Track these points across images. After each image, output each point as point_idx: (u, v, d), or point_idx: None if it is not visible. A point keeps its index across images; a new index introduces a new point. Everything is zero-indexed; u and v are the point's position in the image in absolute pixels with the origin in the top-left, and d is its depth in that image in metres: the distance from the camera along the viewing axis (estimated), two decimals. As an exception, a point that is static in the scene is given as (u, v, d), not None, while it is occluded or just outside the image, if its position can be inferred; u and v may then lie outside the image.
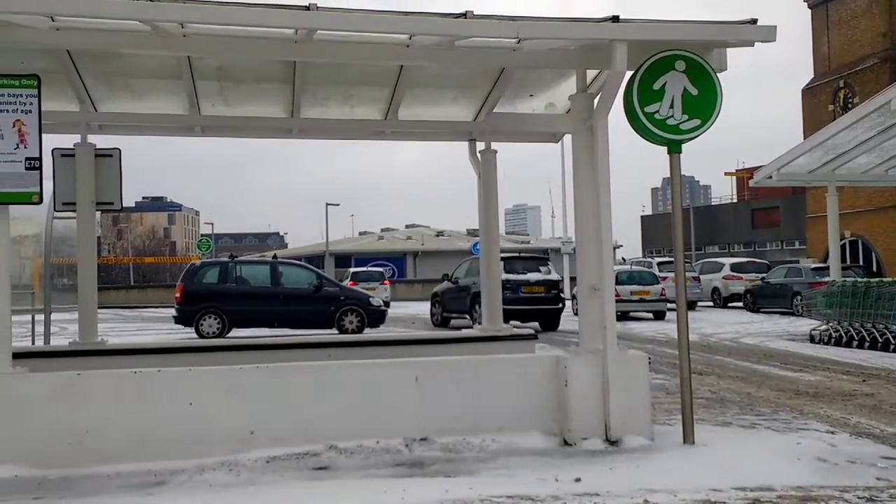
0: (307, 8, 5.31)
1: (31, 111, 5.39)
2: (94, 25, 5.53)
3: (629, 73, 5.88)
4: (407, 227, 75.14)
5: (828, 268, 18.04)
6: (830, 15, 35.84)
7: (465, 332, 7.76)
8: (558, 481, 4.92)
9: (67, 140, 7.73)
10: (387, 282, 32.02)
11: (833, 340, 13.43)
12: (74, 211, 7.83)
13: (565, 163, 35.32)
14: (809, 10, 37.16)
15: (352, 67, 6.99)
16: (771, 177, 16.56)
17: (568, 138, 6.83)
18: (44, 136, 5.47)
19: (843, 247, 16.61)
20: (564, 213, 37.18)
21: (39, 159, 5.42)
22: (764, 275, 25.72)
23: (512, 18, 5.66)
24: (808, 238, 37.49)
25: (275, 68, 6.99)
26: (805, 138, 21.68)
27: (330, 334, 16.56)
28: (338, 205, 52.16)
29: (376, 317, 18.42)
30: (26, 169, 5.37)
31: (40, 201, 5.50)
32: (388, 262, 48.80)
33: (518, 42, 5.95)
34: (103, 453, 5.28)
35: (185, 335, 17.22)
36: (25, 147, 5.37)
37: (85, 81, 7.09)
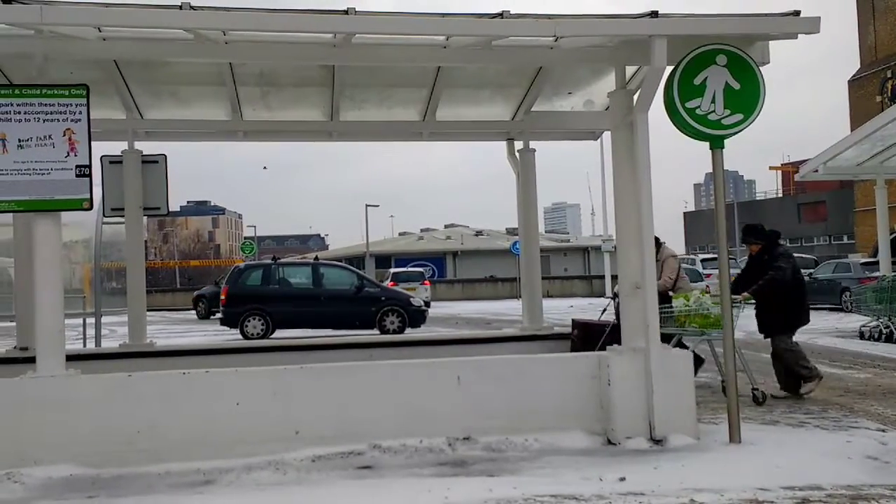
0: (345, 12, 5.37)
1: (80, 120, 5.54)
2: (139, 35, 5.67)
3: (669, 69, 5.83)
4: (446, 226, 75.20)
5: (877, 263, 17.60)
6: (877, 4, 34.99)
7: (506, 332, 7.79)
8: (602, 480, 4.90)
9: (115, 147, 7.95)
10: (427, 282, 32.09)
11: (883, 337, 13.11)
12: (123, 216, 8.03)
13: (605, 160, 35.07)
14: (854, 0, 36.32)
15: (389, 69, 7.05)
16: (817, 170, 16.20)
17: (607, 135, 6.79)
18: (93, 143, 5.62)
19: (893, 241, 16.16)
20: (605, 211, 36.90)
21: (89, 166, 5.57)
22: (811, 270, 25.21)
23: (549, 17, 5.65)
24: (857, 232, 36.68)
25: (314, 72, 7.09)
26: (852, 130, 21.21)
27: (371, 334, 16.67)
28: (377, 206, 52.47)
29: (417, 317, 18.50)
30: (77, 176, 5.52)
31: (91, 207, 5.65)
32: (427, 263, 48.87)
33: (555, 40, 5.94)
34: (154, 453, 5.40)
35: (231, 336, 17.49)
36: (76, 155, 5.52)
37: (131, 90, 7.27)
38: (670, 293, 8.18)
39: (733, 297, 7.14)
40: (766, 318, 7.93)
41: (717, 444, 5.74)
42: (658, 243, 8.15)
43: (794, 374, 7.92)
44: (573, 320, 8.34)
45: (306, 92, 7.64)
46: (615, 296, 7.92)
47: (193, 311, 28.01)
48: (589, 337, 7.76)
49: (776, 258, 7.89)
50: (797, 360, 7.86)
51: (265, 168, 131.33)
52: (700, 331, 7.21)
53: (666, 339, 7.49)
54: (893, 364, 10.42)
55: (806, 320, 7.98)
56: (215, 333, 18.91)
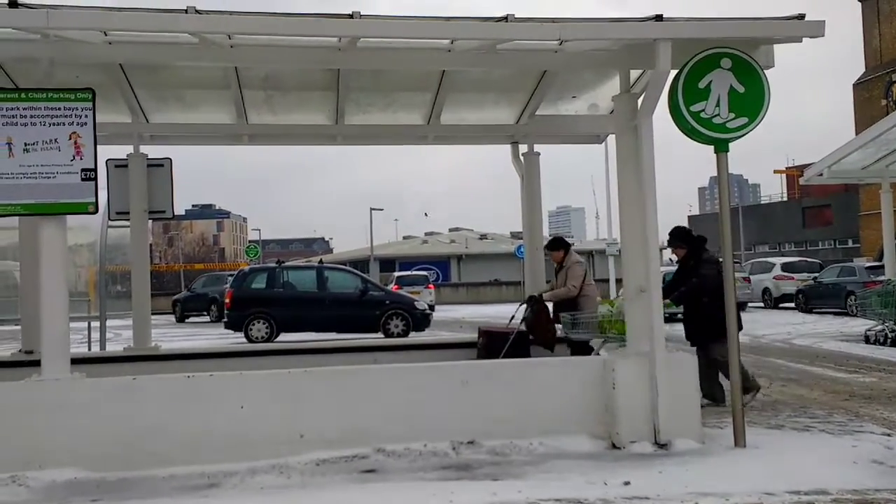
0: (350, 16, 5.38)
1: (86, 123, 5.56)
2: (145, 39, 5.69)
3: (674, 72, 5.83)
4: (451, 230, 75.18)
5: (883, 266, 17.55)
6: (882, 8, 34.95)
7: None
8: (607, 485, 4.89)
9: (121, 151, 7.97)
10: (431, 285, 32.13)
11: (889, 341, 13.06)
12: (128, 220, 8.05)
13: (609, 163, 35.02)
14: (860, 4, 36.28)
15: (394, 73, 7.06)
16: (822, 174, 16.18)
17: (612, 138, 6.79)
18: (98, 147, 5.63)
19: (898, 245, 16.12)
20: (609, 215, 36.86)
21: (95, 170, 5.58)
22: (816, 274, 25.12)
23: (553, 20, 5.64)
24: (862, 236, 36.59)
25: (319, 76, 7.10)
26: (857, 134, 21.16)
27: (375, 338, 16.68)
28: (382, 209, 52.57)
29: (421, 320, 18.50)
30: (82, 180, 5.53)
31: (96, 211, 5.67)
32: (432, 266, 48.93)
33: (560, 44, 5.94)
34: (158, 456, 5.41)
35: (235, 340, 17.50)
36: (81, 159, 5.53)
37: (137, 94, 7.29)
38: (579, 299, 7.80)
39: None
40: (693, 327, 7.55)
41: (722, 449, 5.72)
42: (567, 248, 8.05)
43: (716, 383, 7.54)
44: (479, 328, 8.04)
45: (311, 96, 7.65)
46: (527, 300, 7.75)
47: (173, 315, 29.10)
48: (492, 345, 7.51)
49: (701, 264, 7.55)
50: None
51: (426, 215, 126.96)
52: (620, 337, 7.07)
53: (577, 346, 7.41)
54: (899, 368, 10.38)
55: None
56: (220, 337, 18.93)
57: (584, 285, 7.87)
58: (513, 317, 7.96)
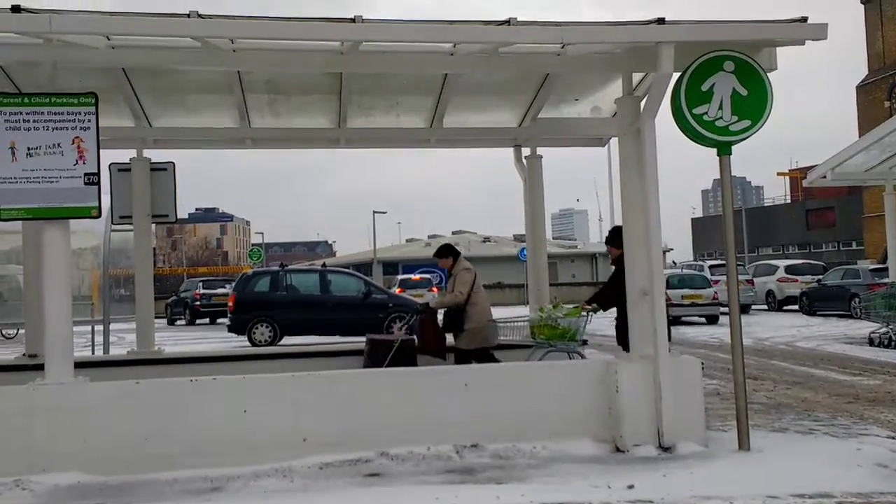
0: (352, 20, 5.39)
1: (89, 128, 5.57)
2: (147, 43, 5.70)
3: (676, 75, 5.82)
4: (453, 233, 75.14)
5: (887, 269, 17.51)
6: (884, 10, 34.91)
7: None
8: (611, 488, 4.88)
9: (124, 155, 7.98)
10: (434, 288, 32.09)
11: (893, 343, 13.04)
12: (131, 223, 8.06)
13: (612, 165, 35.03)
14: (862, 6, 36.25)
15: (397, 77, 7.06)
16: (825, 176, 16.13)
17: (615, 140, 6.78)
18: (101, 151, 5.64)
19: (902, 247, 16.08)
20: (612, 217, 36.86)
21: (98, 174, 5.59)
22: (820, 277, 25.09)
23: (556, 24, 5.65)
24: (866, 238, 36.52)
25: (321, 80, 7.10)
26: (860, 136, 21.13)
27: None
28: (385, 213, 52.61)
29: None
30: (85, 184, 5.54)
31: (99, 215, 5.67)
32: (435, 269, 48.89)
33: (562, 47, 5.94)
34: (162, 460, 5.41)
35: (239, 343, 17.51)
36: (84, 163, 5.54)
37: (140, 98, 7.30)
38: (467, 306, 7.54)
39: (584, 306, 7.05)
40: (622, 332, 6.87)
41: (726, 452, 5.71)
42: (456, 255, 7.82)
43: None
44: (367, 336, 7.88)
45: (314, 99, 7.66)
46: (417, 312, 7.55)
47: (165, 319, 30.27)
48: (375, 353, 7.40)
49: None
50: None
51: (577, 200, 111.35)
52: (548, 342, 7.02)
53: (463, 356, 7.26)
54: (904, 371, 10.35)
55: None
56: (223, 340, 18.93)
57: (473, 293, 7.55)
58: (407, 322, 7.69)
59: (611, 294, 7.09)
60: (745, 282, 25.04)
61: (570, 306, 7.21)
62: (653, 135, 5.94)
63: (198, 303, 28.64)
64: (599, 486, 4.92)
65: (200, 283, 30.52)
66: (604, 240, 7.80)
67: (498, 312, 7.92)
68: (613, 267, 7.19)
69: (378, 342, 7.70)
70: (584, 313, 7.02)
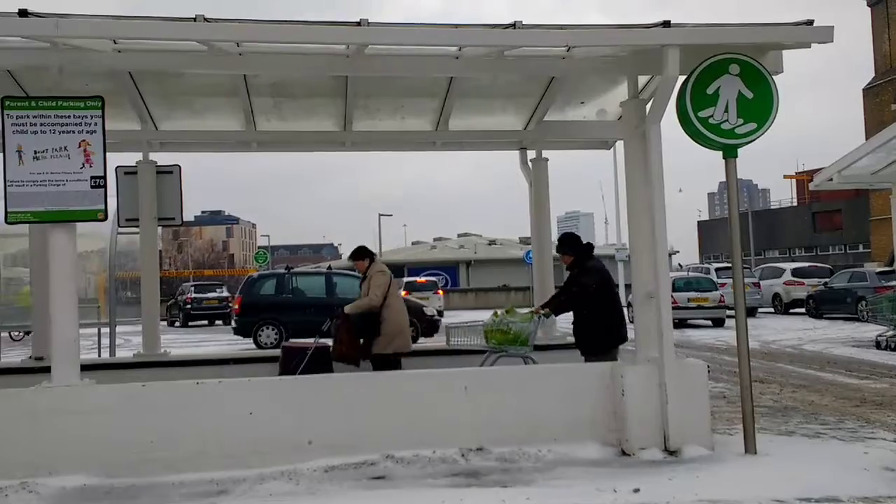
0: (358, 24, 5.40)
1: (95, 131, 5.59)
2: (153, 47, 5.71)
3: (682, 78, 5.82)
4: (459, 235, 75.10)
5: (893, 272, 17.47)
6: (891, 12, 34.81)
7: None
8: (616, 492, 4.87)
9: (130, 158, 8.01)
10: (440, 291, 32.08)
11: (900, 346, 13.01)
12: (137, 226, 8.08)
13: (618, 168, 34.95)
14: (869, 9, 36.16)
15: (402, 80, 7.07)
16: (832, 179, 16.07)
17: (621, 143, 6.78)
18: (108, 154, 5.66)
19: (909, 249, 16.03)
20: (618, 220, 36.78)
21: (104, 177, 5.61)
22: (826, 280, 25.01)
23: (561, 27, 5.65)
24: (873, 241, 36.39)
25: (327, 83, 7.12)
26: (867, 139, 21.07)
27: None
28: (390, 215, 52.65)
29: (430, 326, 18.45)
30: (92, 187, 5.57)
31: (105, 218, 5.69)
32: (441, 272, 48.87)
33: (568, 50, 5.94)
34: (167, 462, 5.42)
35: (245, 346, 17.53)
36: (91, 166, 5.56)
37: (146, 101, 7.33)
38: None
39: (535, 311, 7.01)
40: (578, 338, 7.05)
41: (732, 455, 5.69)
42: (371, 257, 7.68)
43: None
44: (282, 344, 7.71)
45: (319, 102, 7.67)
46: (332, 318, 7.42)
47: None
48: (288, 360, 7.26)
49: (583, 273, 6.99)
50: None
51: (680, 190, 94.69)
52: (499, 347, 6.97)
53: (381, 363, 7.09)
54: (911, 374, 10.31)
55: (617, 339, 6.81)
56: (229, 343, 18.96)
57: (388, 295, 7.38)
58: (326, 327, 7.56)
59: (563, 300, 7.12)
60: (752, 284, 24.97)
61: (525, 311, 7.16)
62: (658, 138, 5.94)
63: (189, 306, 29.50)
64: (605, 490, 4.91)
65: (192, 287, 31.50)
66: (554, 247, 7.72)
67: (465, 316, 7.84)
68: (568, 273, 7.20)
69: (291, 349, 7.54)
70: (537, 318, 7.00)
